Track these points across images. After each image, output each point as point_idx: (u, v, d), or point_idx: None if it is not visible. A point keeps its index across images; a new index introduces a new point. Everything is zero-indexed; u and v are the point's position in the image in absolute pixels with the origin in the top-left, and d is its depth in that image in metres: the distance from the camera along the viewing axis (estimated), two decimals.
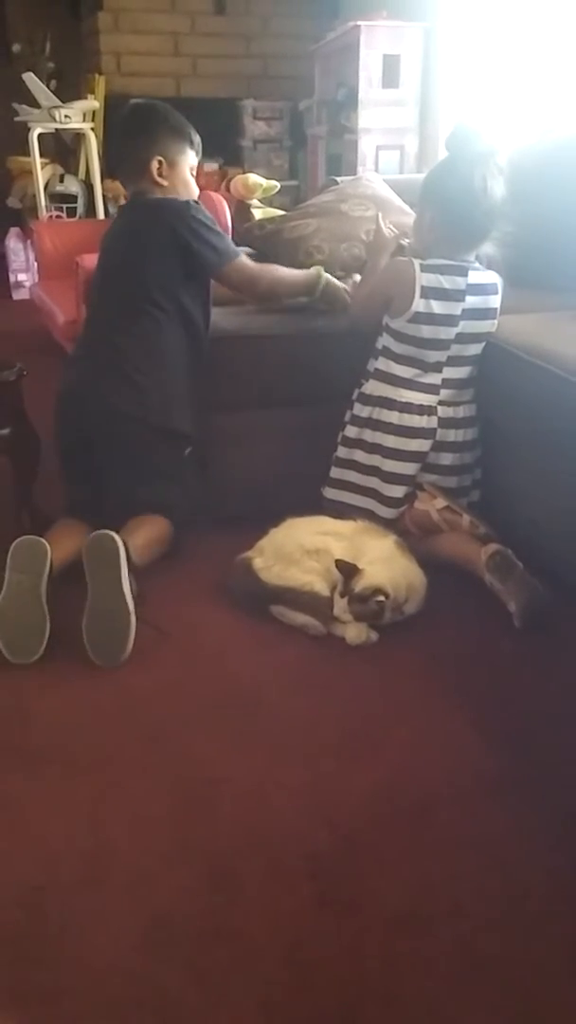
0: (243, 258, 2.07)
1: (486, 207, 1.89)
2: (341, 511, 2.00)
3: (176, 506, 1.96)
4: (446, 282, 1.91)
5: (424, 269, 1.91)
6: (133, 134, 2.07)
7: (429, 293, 1.90)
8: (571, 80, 3.30)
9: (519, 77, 3.61)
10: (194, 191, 2.13)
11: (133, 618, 1.65)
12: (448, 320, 1.92)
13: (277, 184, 2.81)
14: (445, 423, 1.95)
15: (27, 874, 1.22)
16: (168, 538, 1.94)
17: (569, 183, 2.28)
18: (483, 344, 1.95)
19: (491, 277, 1.97)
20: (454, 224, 1.93)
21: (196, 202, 2.05)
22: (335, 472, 2.06)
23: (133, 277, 1.99)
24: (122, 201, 5.08)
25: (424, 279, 1.90)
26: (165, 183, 2.05)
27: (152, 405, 1.94)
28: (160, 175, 2.04)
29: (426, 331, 1.92)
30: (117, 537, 1.71)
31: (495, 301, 1.96)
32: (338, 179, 3.04)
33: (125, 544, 1.72)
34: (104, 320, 2.03)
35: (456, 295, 1.91)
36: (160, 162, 2.03)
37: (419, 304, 1.90)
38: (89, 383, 1.98)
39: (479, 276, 1.95)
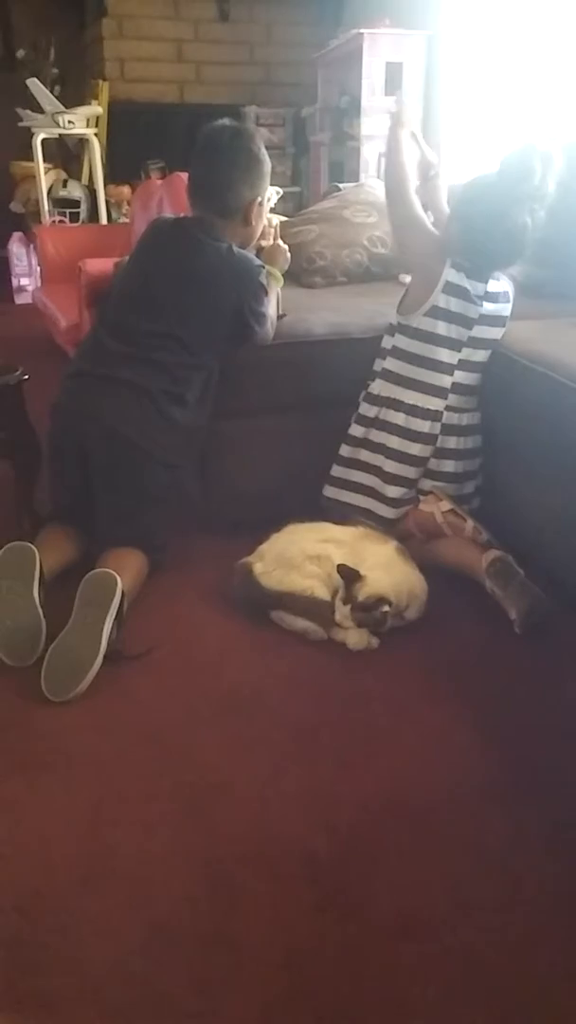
0: (268, 323, 2.03)
1: (520, 248, 1.89)
2: (341, 510, 2.01)
3: (157, 533, 1.93)
4: (469, 285, 1.92)
5: (453, 265, 1.91)
6: (237, 171, 1.97)
7: (451, 290, 1.91)
8: (572, 87, 3.31)
9: (521, 84, 3.62)
10: (263, 224, 2.10)
11: (96, 665, 1.60)
12: (463, 321, 1.92)
13: (280, 190, 2.82)
14: (447, 429, 1.95)
15: (26, 879, 1.21)
16: (144, 576, 1.88)
17: (571, 190, 2.28)
18: (490, 352, 1.96)
19: (504, 286, 1.98)
20: (478, 251, 1.90)
21: (262, 265, 2.03)
22: (337, 471, 2.06)
23: (176, 317, 1.93)
24: (125, 207, 5.13)
25: (450, 275, 1.91)
26: (253, 223, 2.02)
27: (159, 439, 1.90)
28: (253, 215, 2.00)
29: (441, 328, 1.92)
30: (120, 584, 1.68)
31: (507, 310, 1.97)
32: (340, 185, 3.06)
33: (123, 592, 1.68)
34: (126, 342, 1.94)
35: (476, 299, 1.92)
36: (259, 203, 2.00)
37: (440, 299, 1.91)
38: (101, 402, 1.90)
39: (496, 285, 1.96)
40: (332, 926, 1.14)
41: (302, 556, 1.81)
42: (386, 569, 1.78)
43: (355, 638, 1.74)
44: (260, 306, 2.00)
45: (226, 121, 2.06)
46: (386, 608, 1.71)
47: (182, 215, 2.16)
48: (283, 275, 2.18)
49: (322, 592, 1.78)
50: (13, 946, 1.12)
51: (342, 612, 1.74)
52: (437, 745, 1.48)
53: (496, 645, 1.74)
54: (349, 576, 1.74)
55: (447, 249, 1.93)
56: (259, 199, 2.01)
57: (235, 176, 1.97)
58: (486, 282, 1.93)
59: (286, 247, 2.22)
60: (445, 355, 1.93)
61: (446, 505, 1.92)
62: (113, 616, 1.65)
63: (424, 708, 1.58)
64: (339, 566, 1.75)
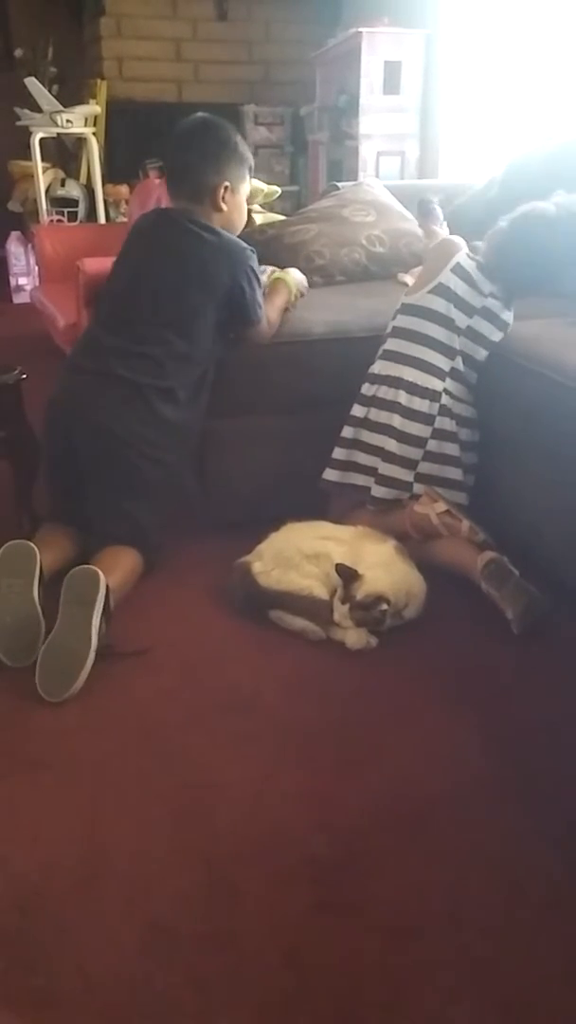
0: (265, 317, 2.04)
1: (541, 286, 1.95)
2: (340, 492, 2.02)
3: (150, 531, 1.92)
4: (477, 276, 1.96)
5: (467, 253, 1.98)
6: (203, 153, 2.00)
7: (460, 272, 1.96)
8: (571, 86, 3.31)
9: (519, 83, 3.62)
10: (245, 218, 2.12)
11: (89, 662, 1.59)
12: (465, 307, 1.94)
13: (278, 189, 2.82)
14: (445, 411, 1.95)
15: (25, 878, 1.21)
16: (138, 574, 1.88)
17: (569, 188, 2.28)
18: (488, 352, 1.96)
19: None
20: (505, 266, 1.95)
21: (252, 250, 2.03)
22: (339, 453, 2.05)
23: (169, 304, 1.93)
24: (123, 207, 5.12)
25: (463, 260, 1.96)
26: (224, 209, 2.03)
27: (147, 436, 1.90)
28: (223, 200, 2.02)
29: (442, 306, 1.95)
30: (103, 579, 1.67)
31: (509, 317, 1.98)
32: (339, 184, 3.06)
33: (108, 587, 1.68)
34: (119, 335, 1.95)
35: (481, 290, 1.95)
36: (226, 188, 2.01)
37: (448, 277, 1.95)
38: (89, 398, 1.91)
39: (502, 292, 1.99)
40: (332, 926, 1.14)
41: (300, 555, 1.81)
42: (385, 568, 1.78)
43: (354, 637, 1.73)
44: (253, 291, 1.99)
45: (200, 113, 2.10)
46: (384, 607, 1.71)
47: (165, 207, 2.18)
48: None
49: (320, 591, 1.78)
50: (12, 945, 1.11)
51: (340, 611, 1.74)
52: (436, 745, 1.48)
53: (494, 644, 1.74)
54: (347, 575, 1.74)
55: (486, 255, 1.99)
56: (226, 183, 2.01)
57: (198, 158, 2.01)
58: (495, 284, 1.95)
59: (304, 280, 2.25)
60: (443, 335, 1.95)
61: (441, 506, 1.92)
62: (100, 612, 1.65)
63: (423, 707, 1.58)
64: (337, 565, 1.75)
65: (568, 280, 1.92)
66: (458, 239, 2.05)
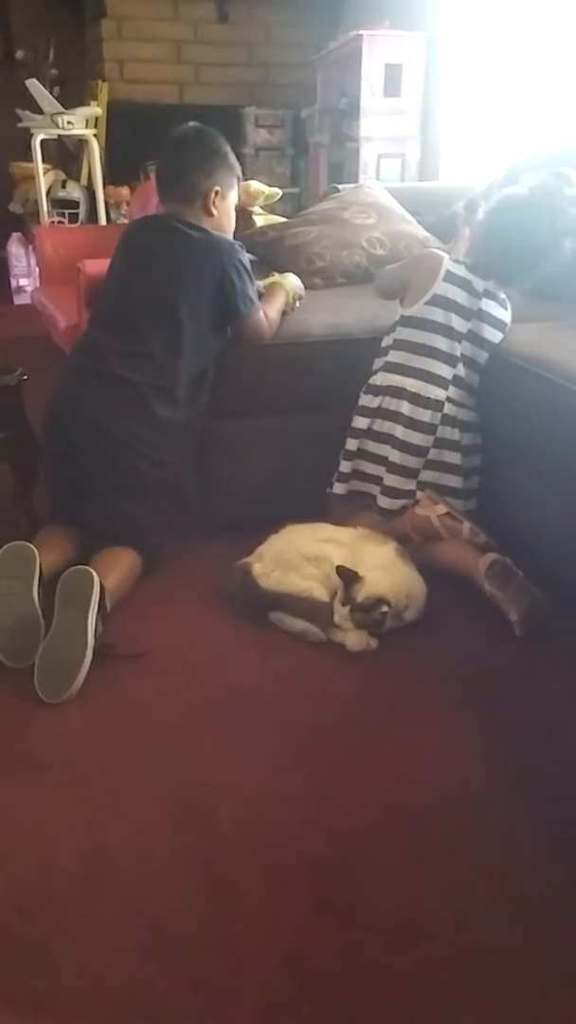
0: (260, 312, 2.05)
1: (531, 263, 1.95)
2: (348, 502, 2.03)
3: (149, 529, 1.93)
4: (468, 277, 1.97)
5: (454, 260, 1.99)
6: (196, 159, 2.05)
7: (452, 279, 1.96)
8: (572, 89, 3.31)
9: (520, 86, 3.63)
10: (233, 225, 2.15)
11: (86, 662, 1.60)
12: (463, 312, 1.95)
13: (279, 191, 2.82)
14: (447, 420, 1.95)
15: (24, 880, 1.21)
16: (136, 575, 1.89)
17: None
18: (488, 354, 1.96)
19: (503, 293, 2.01)
20: (494, 257, 1.97)
21: (240, 244, 2.06)
22: (345, 466, 2.06)
23: (162, 302, 1.95)
24: (124, 208, 5.13)
25: (451, 266, 1.97)
26: (215, 214, 2.06)
27: (145, 436, 1.91)
28: (213, 205, 2.05)
29: (441, 316, 1.95)
30: (96, 578, 1.67)
31: (506, 316, 1.99)
32: (339, 187, 3.06)
33: (103, 586, 1.68)
34: (115, 335, 1.96)
35: (476, 293, 1.96)
36: (216, 193, 2.05)
37: (441, 287, 1.96)
38: (88, 398, 1.92)
39: (496, 288, 2.00)
40: (331, 929, 1.14)
41: (300, 557, 1.81)
42: (385, 570, 1.78)
43: (354, 639, 1.74)
44: (243, 283, 2.00)
45: (192, 123, 2.14)
46: (385, 609, 1.71)
47: (155, 213, 2.22)
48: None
49: (321, 593, 1.78)
50: (12, 947, 1.11)
51: (341, 613, 1.74)
52: (436, 747, 1.48)
53: (495, 646, 1.74)
54: (348, 577, 1.74)
55: (469, 254, 2.02)
56: (216, 188, 2.05)
57: (190, 163, 2.05)
58: (487, 280, 1.96)
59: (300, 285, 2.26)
60: (444, 344, 1.95)
61: (442, 508, 1.92)
62: (95, 612, 1.65)
63: (423, 710, 1.58)
64: (338, 567, 1.75)
65: (554, 257, 1.93)
66: (436, 251, 2.08)
